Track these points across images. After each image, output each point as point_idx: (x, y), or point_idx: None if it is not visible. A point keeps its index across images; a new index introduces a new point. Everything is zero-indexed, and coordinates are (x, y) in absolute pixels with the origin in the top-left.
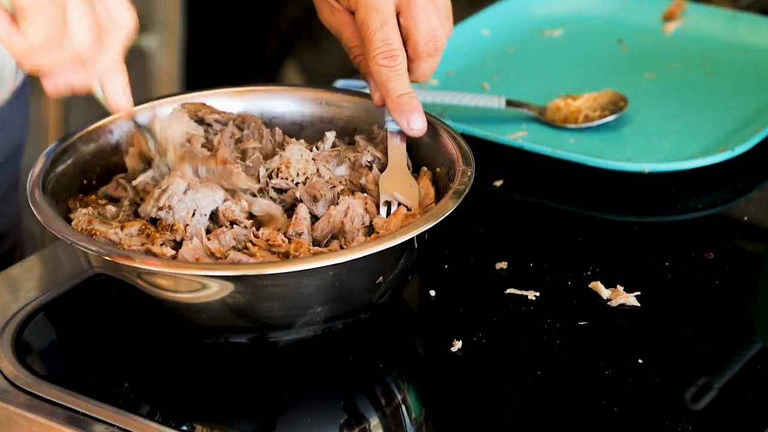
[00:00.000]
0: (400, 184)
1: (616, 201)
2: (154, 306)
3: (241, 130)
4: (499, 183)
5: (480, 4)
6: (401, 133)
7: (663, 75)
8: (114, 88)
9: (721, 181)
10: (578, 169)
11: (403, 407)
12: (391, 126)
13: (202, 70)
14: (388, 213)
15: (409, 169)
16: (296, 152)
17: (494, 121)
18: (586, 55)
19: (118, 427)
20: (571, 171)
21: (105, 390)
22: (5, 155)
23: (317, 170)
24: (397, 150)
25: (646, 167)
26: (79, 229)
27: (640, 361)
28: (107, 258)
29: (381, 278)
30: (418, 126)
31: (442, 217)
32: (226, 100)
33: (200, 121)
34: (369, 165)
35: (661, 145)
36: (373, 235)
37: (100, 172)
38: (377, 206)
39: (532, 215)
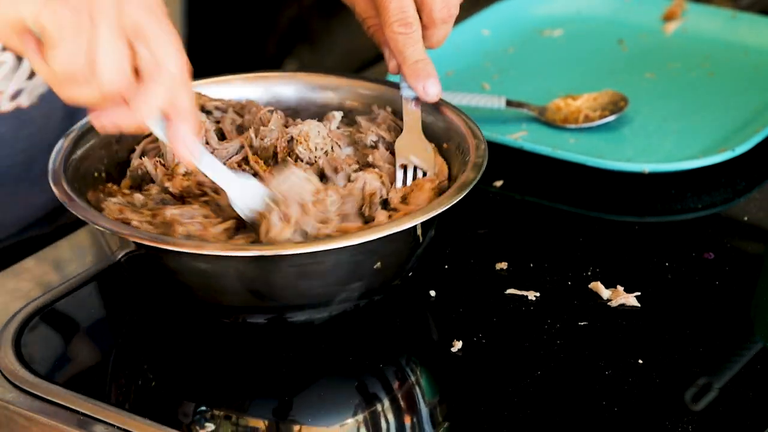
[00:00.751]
0: (415, 149)
1: (616, 201)
2: (181, 288)
3: (241, 116)
4: (499, 183)
5: (480, 4)
6: (416, 99)
7: (663, 75)
8: (175, 135)
9: (722, 181)
10: (578, 169)
11: (417, 388)
12: (406, 92)
13: (203, 70)
14: (405, 177)
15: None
16: (314, 128)
17: (494, 121)
18: (586, 55)
19: (118, 428)
20: (571, 171)
21: (105, 390)
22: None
23: (332, 147)
24: (413, 115)
25: (646, 167)
26: (112, 218)
27: (640, 361)
28: (162, 246)
29: (409, 254)
30: (433, 91)
31: (469, 188)
32: (218, 88)
33: (201, 109)
34: (374, 144)
35: (661, 145)
36: (402, 210)
37: (108, 164)
38: (389, 183)
39: (532, 215)
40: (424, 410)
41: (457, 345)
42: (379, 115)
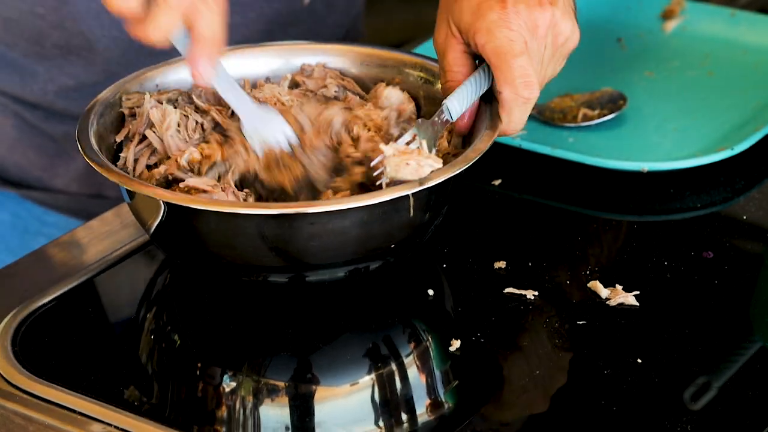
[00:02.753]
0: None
1: (615, 200)
2: (204, 247)
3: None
4: (497, 182)
5: None
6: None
7: (662, 74)
8: (191, 55)
9: (721, 180)
10: (577, 168)
11: (430, 348)
12: (448, 116)
13: None
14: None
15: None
16: (273, 88)
17: None
18: (585, 54)
19: (115, 426)
20: (569, 170)
21: (103, 389)
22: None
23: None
24: (438, 130)
25: (645, 166)
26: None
27: (639, 360)
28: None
29: (429, 213)
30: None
31: (481, 154)
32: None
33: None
34: (336, 95)
35: (660, 143)
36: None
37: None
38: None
39: (530, 214)
40: (422, 412)
41: (456, 344)
42: (313, 71)
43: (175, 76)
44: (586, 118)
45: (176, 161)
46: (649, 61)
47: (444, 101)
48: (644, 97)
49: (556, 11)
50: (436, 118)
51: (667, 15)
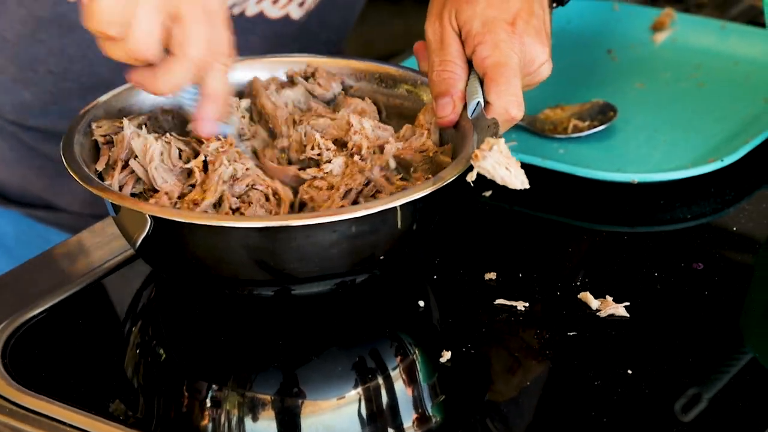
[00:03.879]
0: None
1: (605, 211)
2: (192, 261)
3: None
4: (488, 193)
5: None
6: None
7: (652, 85)
8: (198, 112)
9: (711, 191)
10: (567, 179)
11: (418, 361)
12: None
13: None
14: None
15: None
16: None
17: None
18: (575, 65)
19: None
20: (560, 181)
21: (92, 401)
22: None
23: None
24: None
25: (636, 177)
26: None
27: (629, 371)
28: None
29: (420, 220)
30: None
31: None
32: None
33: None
34: (334, 97)
35: (650, 155)
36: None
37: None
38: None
39: (521, 225)
40: (413, 422)
41: (446, 355)
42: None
43: (135, 98)
44: (576, 129)
45: (165, 194)
46: (639, 73)
47: (475, 98)
48: (634, 108)
49: (546, 52)
50: (481, 117)
51: (657, 26)
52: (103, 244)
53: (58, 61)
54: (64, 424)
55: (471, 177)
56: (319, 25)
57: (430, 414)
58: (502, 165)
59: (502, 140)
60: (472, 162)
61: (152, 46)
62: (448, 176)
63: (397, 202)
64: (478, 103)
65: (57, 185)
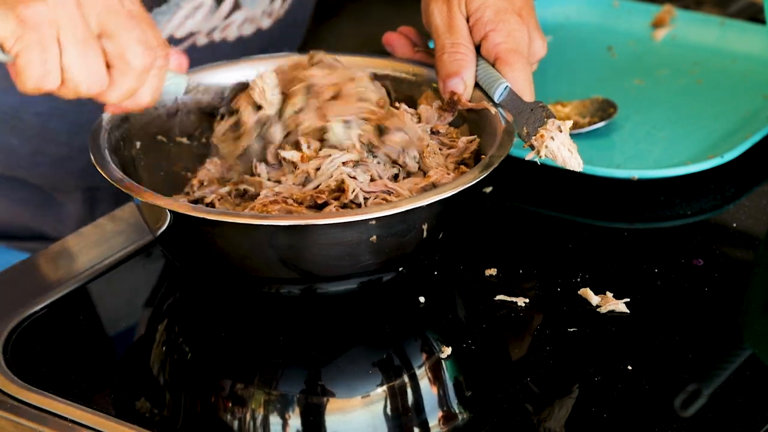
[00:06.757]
0: None
1: (605, 207)
2: (219, 259)
3: None
4: (488, 189)
5: None
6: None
7: (652, 82)
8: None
9: (710, 187)
10: (567, 175)
11: (443, 362)
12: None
13: None
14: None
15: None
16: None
17: None
18: (575, 62)
19: None
20: (560, 177)
21: (94, 397)
22: None
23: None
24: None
25: (636, 174)
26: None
27: (629, 367)
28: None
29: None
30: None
31: (495, 165)
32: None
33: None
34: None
35: (650, 151)
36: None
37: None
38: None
39: (521, 222)
40: (413, 418)
41: (447, 351)
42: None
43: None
44: (576, 126)
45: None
46: (639, 70)
47: (501, 81)
48: (634, 105)
49: (545, 48)
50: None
51: (657, 23)
52: (105, 240)
53: (45, 103)
54: (66, 419)
55: (530, 156)
56: (282, 30)
57: (456, 411)
58: (566, 146)
59: (570, 122)
60: (534, 142)
61: (98, 76)
62: (495, 161)
63: (426, 201)
64: (507, 87)
65: (45, 214)
